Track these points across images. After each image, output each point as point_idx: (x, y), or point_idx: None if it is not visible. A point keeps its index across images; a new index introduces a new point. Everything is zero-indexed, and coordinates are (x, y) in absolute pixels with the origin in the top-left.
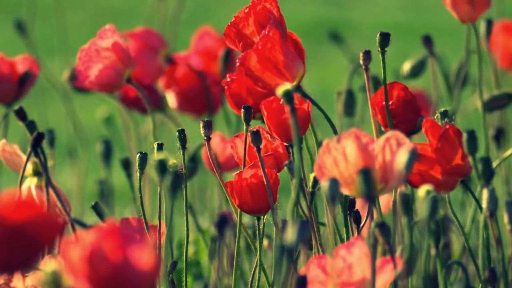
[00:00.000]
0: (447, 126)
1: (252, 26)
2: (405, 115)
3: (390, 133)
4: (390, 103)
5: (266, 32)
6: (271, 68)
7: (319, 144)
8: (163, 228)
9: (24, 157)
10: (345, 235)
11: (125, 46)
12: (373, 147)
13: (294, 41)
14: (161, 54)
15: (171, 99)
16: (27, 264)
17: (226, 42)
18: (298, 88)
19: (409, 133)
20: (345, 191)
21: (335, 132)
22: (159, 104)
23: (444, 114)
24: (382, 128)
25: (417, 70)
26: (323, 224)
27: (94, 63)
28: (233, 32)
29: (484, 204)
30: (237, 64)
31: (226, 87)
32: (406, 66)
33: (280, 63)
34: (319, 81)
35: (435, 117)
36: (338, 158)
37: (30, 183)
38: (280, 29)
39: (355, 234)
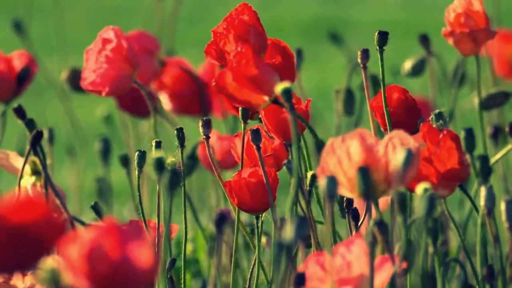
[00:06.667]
0: (445, 132)
1: (233, 42)
2: (406, 118)
3: (393, 133)
4: (391, 108)
5: (239, 49)
6: (247, 84)
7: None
8: (162, 226)
9: (21, 161)
10: (338, 234)
11: (131, 47)
12: (377, 148)
13: (282, 48)
14: (156, 56)
15: (165, 100)
16: (28, 264)
17: (208, 59)
18: (275, 101)
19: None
20: (346, 192)
21: (316, 139)
22: (154, 106)
23: (439, 116)
24: (381, 129)
25: (418, 69)
26: (320, 223)
27: (106, 70)
28: (214, 49)
29: (482, 202)
30: (213, 84)
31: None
32: (407, 65)
33: (256, 78)
34: (318, 80)
35: (430, 118)
36: (342, 157)
37: (28, 181)
38: (260, 41)
39: (353, 232)
